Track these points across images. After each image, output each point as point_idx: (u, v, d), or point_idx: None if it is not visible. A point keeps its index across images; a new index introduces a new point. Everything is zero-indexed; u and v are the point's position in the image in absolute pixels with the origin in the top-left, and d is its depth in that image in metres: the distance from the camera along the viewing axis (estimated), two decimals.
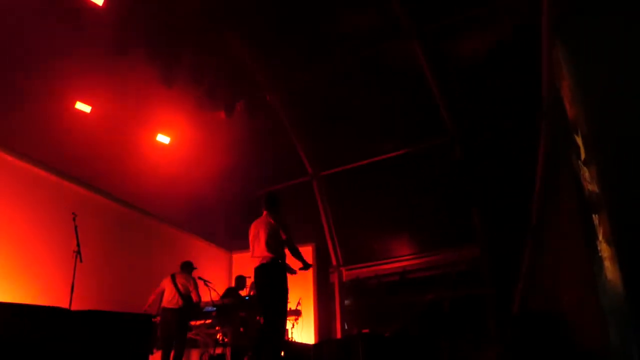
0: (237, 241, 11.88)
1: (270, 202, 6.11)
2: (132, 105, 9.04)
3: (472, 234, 10.26)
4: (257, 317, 5.98)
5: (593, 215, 5.07)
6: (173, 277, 7.65)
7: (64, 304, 5.84)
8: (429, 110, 9.51)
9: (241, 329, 8.83)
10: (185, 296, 7.55)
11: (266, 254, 5.71)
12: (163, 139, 9.99)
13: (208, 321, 8.96)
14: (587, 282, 6.81)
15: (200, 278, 8.24)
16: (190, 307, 7.62)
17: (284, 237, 5.82)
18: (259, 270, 5.76)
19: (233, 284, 9.65)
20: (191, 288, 7.70)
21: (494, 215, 9.63)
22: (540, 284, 8.66)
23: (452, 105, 9.32)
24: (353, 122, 10.48)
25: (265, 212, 6.07)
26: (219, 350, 7.80)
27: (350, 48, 9.47)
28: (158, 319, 7.70)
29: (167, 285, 7.63)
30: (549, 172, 8.28)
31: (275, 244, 5.76)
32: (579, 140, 6.91)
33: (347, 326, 10.81)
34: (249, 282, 9.73)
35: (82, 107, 8.57)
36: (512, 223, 9.30)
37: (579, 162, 6.85)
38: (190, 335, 8.51)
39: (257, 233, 5.90)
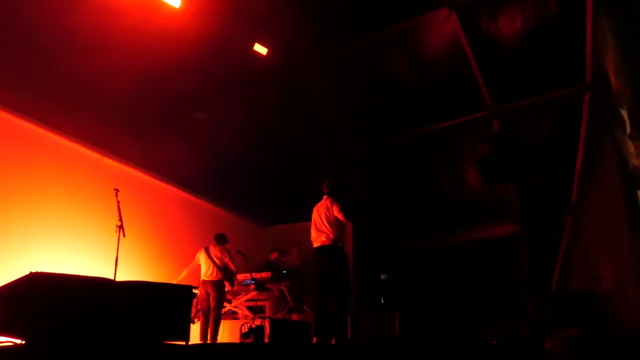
0: (271, 215, 11.99)
1: (331, 187, 6.52)
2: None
3: (510, 211, 10.12)
4: (315, 296, 6.28)
5: (638, 191, 4.95)
6: (207, 250, 7.81)
7: (109, 276, 6.03)
8: (468, 84, 9.30)
9: (279, 301, 9.01)
10: (221, 268, 7.69)
11: (329, 236, 6.18)
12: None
13: (247, 294, 9.17)
14: (629, 261, 6.68)
15: (238, 252, 8.40)
16: (227, 278, 7.76)
17: (345, 221, 6.30)
18: (321, 251, 6.21)
19: (270, 258, 9.79)
20: (226, 259, 7.84)
21: (533, 192, 9.46)
22: (579, 263, 8.52)
23: (492, 79, 9.11)
24: (389, 97, 10.35)
25: (325, 196, 6.50)
26: (257, 322, 7.97)
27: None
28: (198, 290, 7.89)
29: (202, 259, 7.79)
30: (591, 148, 8.09)
31: (336, 228, 6.22)
32: (624, 114, 6.72)
33: (383, 300, 10.86)
34: (286, 256, 9.88)
35: None
36: (552, 200, 9.13)
37: (624, 136, 6.68)
38: (229, 307, 8.73)
39: (319, 216, 6.37)
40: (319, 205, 6.54)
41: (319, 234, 6.32)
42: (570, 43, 8.01)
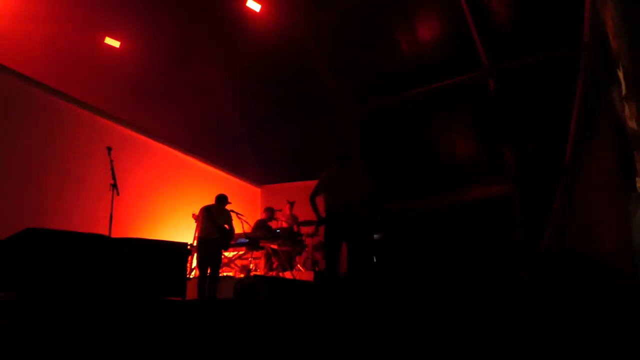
0: (265, 175, 12.00)
1: (346, 157, 7.14)
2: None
3: (503, 171, 10.14)
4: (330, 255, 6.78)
5: (634, 153, 4.95)
6: (207, 209, 7.83)
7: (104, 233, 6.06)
8: (465, 43, 9.19)
9: (273, 259, 9.13)
10: (219, 227, 7.74)
11: (349, 201, 6.72)
12: None
13: (241, 252, 9.27)
14: (621, 221, 6.76)
15: (232, 211, 8.44)
16: (224, 238, 7.82)
17: (365, 189, 6.98)
18: (339, 215, 6.70)
19: (264, 217, 9.86)
20: (225, 219, 7.89)
21: (527, 152, 9.46)
22: (572, 223, 8.60)
23: (489, 38, 9.00)
24: (385, 56, 10.22)
25: (337, 166, 6.97)
26: (251, 280, 8.07)
27: None
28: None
29: (202, 217, 7.83)
30: (587, 109, 8.07)
31: (355, 193, 6.78)
32: (620, 75, 6.68)
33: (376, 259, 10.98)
34: (279, 215, 9.95)
35: (111, 42, 8.58)
36: (546, 161, 9.15)
37: (620, 97, 6.66)
38: (223, 264, 8.83)
39: (335, 184, 6.86)
40: (330, 174, 6.95)
41: (338, 198, 6.76)
42: (568, 2, 7.90)
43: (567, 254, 8.04)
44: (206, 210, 7.83)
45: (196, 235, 7.88)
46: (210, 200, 8.03)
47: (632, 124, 6.08)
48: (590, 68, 7.88)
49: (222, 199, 8.04)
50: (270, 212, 9.83)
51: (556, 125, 8.61)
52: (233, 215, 8.43)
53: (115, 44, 8.62)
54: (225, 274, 8.90)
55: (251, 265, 9.14)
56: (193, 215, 8.23)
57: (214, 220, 7.72)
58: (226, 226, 7.89)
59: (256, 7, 9.04)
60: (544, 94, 8.80)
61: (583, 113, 8.13)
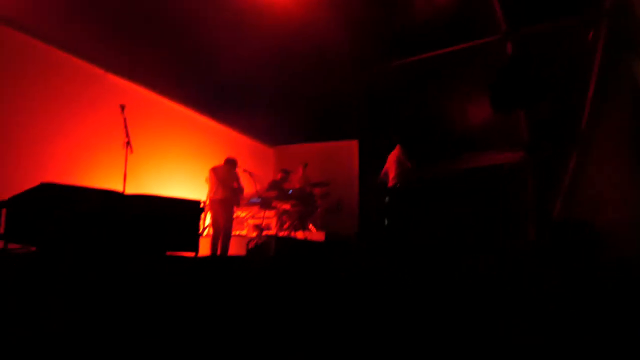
0: (278, 136, 12.00)
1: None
2: None
3: (517, 138, 10.06)
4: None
5: None
6: (215, 171, 7.89)
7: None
8: (483, 7, 9.00)
9: (285, 219, 9.22)
10: (228, 187, 7.80)
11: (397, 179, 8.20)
12: None
13: (253, 212, 9.38)
14: (633, 191, 6.72)
15: (245, 170, 8.50)
16: (234, 198, 7.89)
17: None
18: (393, 190, 8.23)
19: (277, 178, 9.92)
20: (233, 179, 7.94)
21: (542, 119, 9.36)
22: (584, 191, 8.55)
23: (508, 2, 8.81)
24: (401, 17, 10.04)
25: (399, 146, 8.46)
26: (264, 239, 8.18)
27: None
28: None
29: (210, 178, 7.89)
30: (605, 76, 7.93)
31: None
32: None
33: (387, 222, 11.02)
34: (292, 176, 9.99)
35: None
36: (560, 128, 9.05)
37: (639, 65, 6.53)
38: (236, 223, 8.95)
39: (391, 164, 8.35)
40: (393, 153, 8.46)
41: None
42: None
43: (578, 222, 8.04)
44: (213, 171, 7.89)
45: (209, 195, 7.96)
46: (223, 160, 8.10)
47: None
48: (611, 34, 7.71)
49: (230, 162, 8.08)
50: (285, 173, 9.89)
51: (572, 93, 8.48)
52: (246, 175, 8.49)
53: None
54: (237, 232, 9.02)
55: (263, 225, 9.25)
56: (206, 179, 8.31)
57: (221, 181, 7.78)
58: (235, 184, 7.95)
59: None
60: (562, 60, 8.64)
61: (601, 80, 7.99)
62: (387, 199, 8.46)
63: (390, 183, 8.35)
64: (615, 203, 7.39)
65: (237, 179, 8.01)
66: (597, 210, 7.75)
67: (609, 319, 4.04)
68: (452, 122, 10.68)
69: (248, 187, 8.47)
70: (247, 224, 9.50)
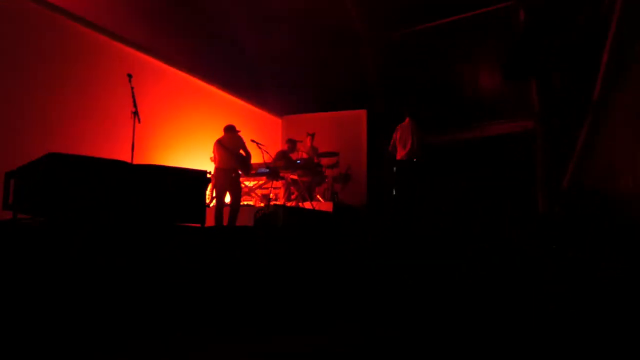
0: (286, 105, 11.92)
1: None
2: None
3: (528, 107, 9.93)
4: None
5: None
6: (219, 142, 7.85)
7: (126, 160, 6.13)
8: None
9: (292, 189, 9.22)
10: (234, 155, 7.78)
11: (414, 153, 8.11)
12: None
13: (261, 181, 9.37)
14: None
15: (253, 141, 8.44)
16: (241, 165, 7.87)
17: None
18: (406, 163, 8.17)
19: (284, 148, 9.88)
20: (239, 145, 7.90)
21: (554, 88, 9.21)
22: (595, 161, 8.45)
23: None
24: None
25: (408, 119, 8.28)
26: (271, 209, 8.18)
27: None
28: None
29: (216, 149, 7.86)
30: (621, 45, 7.74)
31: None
32: None
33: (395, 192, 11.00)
34: (300, 146, 9.94)
35: None
36: (573, 97, 8.90)
37: None
38: (244, 193, 8.95)
39: (405, 135, 8.20)
40: (403, 125, 8.27)
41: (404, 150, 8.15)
42: None
43: (589, 191, 7.97)
44: (218, 143, 7.85)
45: (215, 164, 7.95)
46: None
47: None
48: (626, 1, 7.50)
49: (230, 128, 8.02)
50: (292, 143, 9.83)
51: (586, 61, 8.31)
52: (254, 145, 8.44)
53: None
54: (245, 202, 9.02)
55: (271, 195, 9.25)
56: (211, 158, 8.27)
57: (227, 150, 7.76)
58: (242, 152, 7.92)
59: None
60: (576, 28, 8.45)
61: (616, 48, 7.81)
62: (394, 169, 8.41)
63: (405, 156, 8.14)
64: (628, 172, 7.31)
65: (242, 144, 7.96)
66: (609, 180, 7.67)
67: (621, 297, 4.02)
68: (462, 90, 10.57)
69: (256, 157, 8.44)
70: (254, 194, 9.51)
